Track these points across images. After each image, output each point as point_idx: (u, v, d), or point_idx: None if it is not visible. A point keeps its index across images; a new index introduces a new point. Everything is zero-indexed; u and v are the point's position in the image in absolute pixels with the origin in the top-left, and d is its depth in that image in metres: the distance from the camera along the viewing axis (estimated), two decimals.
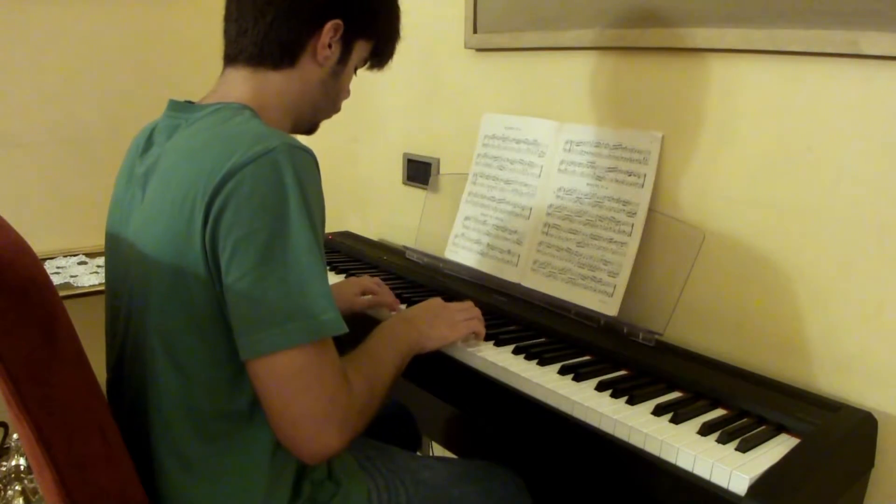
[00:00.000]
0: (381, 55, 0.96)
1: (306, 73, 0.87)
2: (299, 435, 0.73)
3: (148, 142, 0.85)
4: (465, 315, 1.05)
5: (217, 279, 0.72)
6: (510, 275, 1.32)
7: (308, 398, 0.72)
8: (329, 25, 0.85)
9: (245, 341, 0.71)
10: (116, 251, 0.86)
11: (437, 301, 1.06)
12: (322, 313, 0.72)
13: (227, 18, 0.88)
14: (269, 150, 0.71)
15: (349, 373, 0.78)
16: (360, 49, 0.92)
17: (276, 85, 0.86)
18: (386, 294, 1.25)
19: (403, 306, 1.24)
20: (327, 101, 0.92)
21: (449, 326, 1.01)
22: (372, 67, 0.98)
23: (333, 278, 1.43)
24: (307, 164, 0.75)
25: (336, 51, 0.88)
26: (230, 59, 0.88)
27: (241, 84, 0.86)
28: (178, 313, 0.75)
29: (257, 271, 0.70)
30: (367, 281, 1.26)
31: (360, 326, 1.20)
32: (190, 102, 0.86)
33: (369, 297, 1.23)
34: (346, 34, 0.88)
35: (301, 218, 0.72)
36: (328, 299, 0.74)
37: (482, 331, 1.07)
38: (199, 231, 0.72)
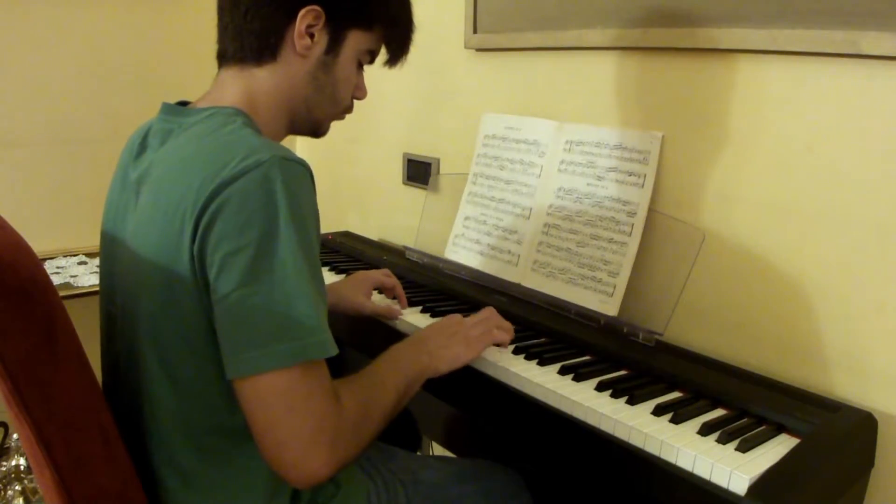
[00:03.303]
0: (388, 48, 0.92)
1: (291, 67, 0.84)
2: (285, 458, 0.69)
3: (142, 145, 0.84)
4: (481, 328, 1.00)
5: (206, 294, 0.71)
6: (510, 275, 1.32)
7: (293, 420, 0.69)
8: (304, 12, 0.81)
9: (230, 361, 0.69)
10: (111, 255, 0.85)
11: (454, 319, 1.01)
12: (308, 335, 0.69)
13: (217, 18, 0.86)
14: (259, 163, 0.69)
15: (342, 394, 0.75)
16: (357, 40, 0.87)
17: (263, 82, 0.84)
18: (397, 287, 1.23)
19: (414, 310, 1.23)
20: (322, 96, 0.88)
21: (464, 345, 0.96)
22: (386, 63, 0.94)
23: (333, 278, 1.43)
24: (299, 178, 0.72)
25: (321, 40, 0.84)
26: (220, 58, 0.86)
27: (231, 85, 0.84)
28: (170, 326, 0.74)
29: (243, 289, 0.68)
30: (376, 275, 1.23)
31: (370, 331, 1.21)
32: (183, 104, 0.85)
33: (381, 299, 1.20)
34: (332, 22, 0.84)
35: (291, 234, 0.69)
36: (316, 319, 0.70)
37: (505, 338, 1.02)
38: (187, 245, 0.70)
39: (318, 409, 0.71)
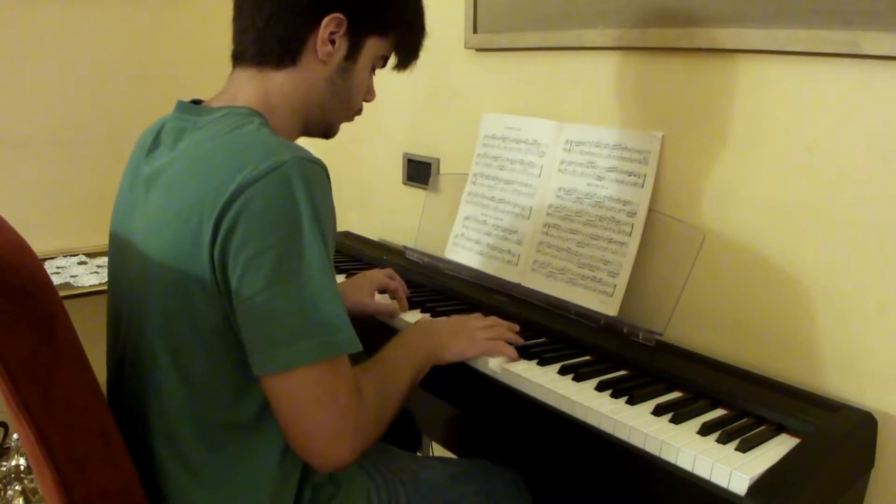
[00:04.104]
0: (401, 53, 0.93)
1: (310, 72, 0.85)
2: (313, 447, 0.73)
3: (155, 141, 0.84)
4: (488, 333, 1.02)
5: (226, 295, 0.72)
6: (510, 275, 1.32)
7: (321, 413, 0.72)
8: (328, 19, 0.82)
9: (258, 358, 0.71)
10: (119, 252, 0.85)
11: (457, 317, 1.06)
12: (336, 331, 0.72)
13: (234, 18, 0.86)
14: (279, 164, 0.70)
15: (362, 384, 0.78)
16: (374, 46, 0.89)
17: (280, 85, 0.85)
18: (399, 290, 1.24)
19: (414, 310, 1.23)
20: (337, 101, 0.89)
21: (468, 342, 1.00)
22: (396, 67, 0.95)
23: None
24: (318, 178, 0.74)
25: (341, 47, 0.85)
26: (236, 58, 0.87)
27: (247, 85, 0.84)
28: (182, 324, 0.74)
29: (270, 289, 0.69)
30: (380, 277, 1.24)
31: (372, 331, 1.21)
32: (197, 102, 0.85)
33: (382, 298, 1.21)
34: (353, 29, 0.85)
35: (313, 234, 0.71)
36: (342, 317, 0.73)
37: (511, 353, 1.01)
38: (206, 247, 0.70)
39: (344, 401, 0.74)
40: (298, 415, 0.72)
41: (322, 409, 0.72)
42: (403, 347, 0.92)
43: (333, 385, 0.73)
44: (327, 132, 0.94)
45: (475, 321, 1.05)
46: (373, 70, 0.93)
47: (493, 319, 1.08)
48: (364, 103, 0.95)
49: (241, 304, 0.70)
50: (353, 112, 0.93)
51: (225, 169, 0.71)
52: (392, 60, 0.95)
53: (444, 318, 1.05)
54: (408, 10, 0.91)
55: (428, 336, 0.97)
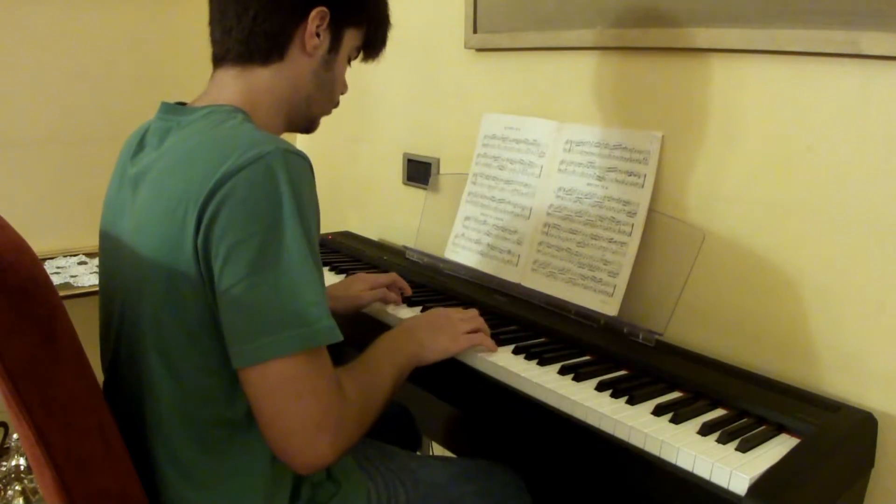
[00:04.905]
0: (373, 43, 0.96)
1: (296, 66, 0.87)
2: (291, 444, 0.72)
3: (140, 143, 0.84)
4: (468, 326, 1.03)
5: (210, 286, 0.71)
6: (510, 275, 1.32)
7: (300, 407, 0.71)
8: (314, 13, 0.84)
9: (237, 349, 0.70)
10: (109, 253, 0.86)
11: (439, 311, 1.05)
12: (316, 321, 0.71)
13: (211, 21, 0.88)
14: (262, 154, 0.70)
15: (344, 382, 0.77)
16: (351, 37, 0.91)
17: (266, 81, 0.86)
18: (397, 281, 1.24)
19: (414, 310, 1.24)
20: (322, 93, 0.91)
21: (451, 339, 1.00)
22: (366, 58, 0.98)
23: (333, 278, 1.43)
24: (302, 169, 0.73)
25: (325, 39, 0.87)
26: (218, 60, 0.87)
27: (231, 84, 0.85)
28: (171, 320, 0.74)
29: (250, 278, 0.69)
30: (372, 277, 1.25)
31: (365, 328, 1.21)
32: (181, 104, 0.86)
33: (377, 290, 1.22)
34: (334, 22, 0.87)
35: (295, 224, 0.70)
36: (322, 307, 0.72)
37: (491, 346, 1.04)
38: (191, 237, 0.70)
39: (324, 395, 0.73)
40: (278, 410, 0.70)
41: (302, 403, 0.71)
42: (385, 349, 0.91)
43: (313, 378, 0.72)
44: (310, 126, 0.95)
45: (456, 314, 1.04)
46: (349, 62, 0.95)
47: (472, 312, 1.07)
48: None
49: (221, 294, 0.70)
50: (333, 104, 0.96)
51: (209, 161, 0.71)
52: (362, 52, 0.97)
53: (425, 316, 1.03)
54: (379, 2, 0.95)
55: (409, 337, 0.96)
